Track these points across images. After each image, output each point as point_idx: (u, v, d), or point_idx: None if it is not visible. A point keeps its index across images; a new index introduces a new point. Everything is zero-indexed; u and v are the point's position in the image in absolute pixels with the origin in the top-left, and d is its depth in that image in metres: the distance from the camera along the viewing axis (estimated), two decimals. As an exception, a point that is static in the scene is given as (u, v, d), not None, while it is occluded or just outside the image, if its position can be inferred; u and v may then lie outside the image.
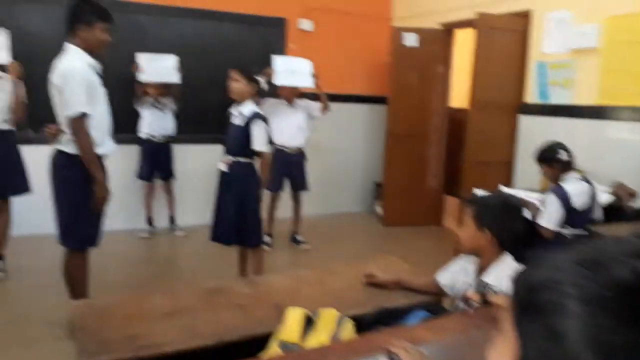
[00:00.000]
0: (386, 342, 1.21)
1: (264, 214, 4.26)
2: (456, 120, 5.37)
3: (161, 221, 4.82)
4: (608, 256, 0.55)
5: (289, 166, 4.42)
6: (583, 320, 0.51)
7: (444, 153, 5.50)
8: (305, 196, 4.68)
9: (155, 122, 4.50)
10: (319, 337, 1.36)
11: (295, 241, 4.64)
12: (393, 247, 2.69)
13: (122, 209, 4.50)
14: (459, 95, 5.68)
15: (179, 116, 4.64)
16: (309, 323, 1.45)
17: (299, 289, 1.95)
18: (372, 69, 5.77)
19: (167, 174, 4.68)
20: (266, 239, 4.41)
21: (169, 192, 4.77)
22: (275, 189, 4.42)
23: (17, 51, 3.54)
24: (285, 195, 4.59)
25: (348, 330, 1.41)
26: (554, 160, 2.84)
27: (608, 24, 3.72)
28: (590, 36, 3.82)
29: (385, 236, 5.17)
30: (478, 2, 4.58)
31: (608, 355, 0.49)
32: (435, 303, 1.77)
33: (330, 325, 1.41)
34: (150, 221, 4.75)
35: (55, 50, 2.72)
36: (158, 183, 4.73)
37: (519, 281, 0.59)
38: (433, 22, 5.26)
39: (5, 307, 3.19)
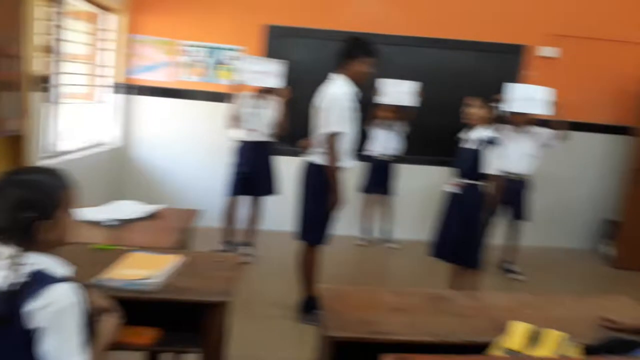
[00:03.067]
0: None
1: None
2: None
3: (377, 233, 5.18)
4: None
5: (511, 193, 4.33)
6: None
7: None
8: (524, 225, 4.52)
9: (384, 142, 4.89)
10: (543, 352, 1.41)
11: (509, 271, 4.51)
12: (626, 293, 2.47)
13: (345, 217, 4.97)
14: None
15: (408, 137, 4.96)
16: (534, 339, 1.50)
17: (519, 310, 1.97)
18: (617, 97, 5.25)
19: (387, 190, 5.02)
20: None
21: (387, 206, 5.10)
22: (496, 215, 4.36)
23: (286, 78, 4.26)
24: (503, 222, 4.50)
25: (574, 352, 1.43)
26: None
27: None
28: None
29: (614, 279, 4.65)
30: None
31: None
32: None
33: (555, 344, 1.45)
34: (367, 231, 5.15)
35: (314, 76, 3.26)
36: (377, 197, 5.09)
37: None
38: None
39: (249, 287, 3.85)
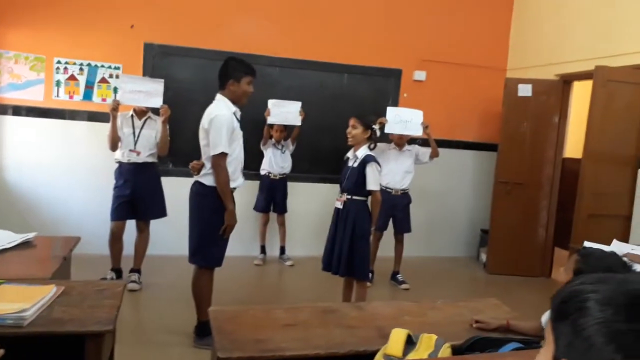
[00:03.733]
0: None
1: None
2: (571, 171, 5.25)
3: (272, 250, 5.22)
4: (619, 276, 0.73)
5: (394, 208, 4.63)
6: (597, 315, 0.68)
7: (556, 203, 5.37)
8: (409, 237, 4.83)
9: (275, 160, 4.98)
10: (419, 355, 1.53)
11: (395, 280, 4.78)
12: (496, 295, 2.75)
13: (240, 237, 4.96)
14: (576, 146, 5.54)
15: (295, 156, 5.08)
16: (410, 343, 1.62)
17: (401, 317, 2.12)
18: (482, 117, 5.85)
19: (281, 208, 5.10)
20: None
21: (281, 224, 5.17)
22: (380, 228, 4.63)
23: (167, 96, 4.14)
24: (388, 234, 4.78)
25: (446, 353, 1.57)
26: None
27: None
28: None
29: (488, 283, 5.12)
30: (596, 55, 4.55)
31: (616, 341, 0.66)
32: (533, 340, 1.85)
33: (430, 347, 1.58)
34: (263, 250, 5.17)
35: (199, 96, 3.25)
36: (272, 215, 5.15)
37: (555, 297, 0.77)
38: (547, 73, 5.27)
39: (140, 315, 3.69)
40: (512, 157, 5.26)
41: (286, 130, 4.97)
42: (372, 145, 3.44)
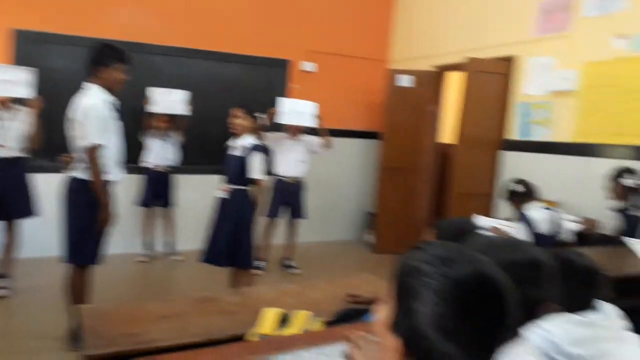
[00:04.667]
0: (347, 333, 1.42)
1: (260, 239, 4.53)
2: (446, 155, 5.66)
3: (159, 246, 5.04)
4: (463, 255, 0.76)
5: (288, 195, 4.70)
6: (429, 307, 0.72)
7: (433, 185, 5.76)
8: (301, 224, 4.92)
9: (159, 152, 4.79)
10: (291, 331, 1.57)
11: (287, 267, 4.85)
12: (382, 273, 2.90)
13: (122, 234, 4.73)
14: (449, 132, 5.97)
15: (183, 148, 4.94)
16: (284, 321, 1.66)
17: (280, 299, 2.15)
18: (367, 106, 6.10)
19: (166, 202, 4.93)
20: (260, 264, 4.64)
21: (168, 218, 5.01)
22: (273, 215, 4.69)
23: (41, 86, 3.84)
24: (283, 223, 4.83)
25: (318, 327, 1.63)
26: (512, 195, 3.16)
27: (585, 70, 4.03)
28: (568, 80, 4.11)
29: (376, 263, 5.38)
30: (468, 47, 4.93)
31: (446, 334, 0.70)
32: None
33: (303, 323, 1.63)
34: (148, 246, 4.97)
35: (75, 86, 3.04)
36: (157, 210, 4.97)
37: (401, 261, 0.81)
38: (427, 65, 5.60)
39: (9, 321, 3.40)
40: (394, 144, 5.55)
41: (172, 120, 4.80)
42: (257, 135, 3.44)
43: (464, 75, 4.67)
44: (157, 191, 4.84)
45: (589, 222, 3.58)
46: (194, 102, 4.79)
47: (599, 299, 1.53)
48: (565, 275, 1.50)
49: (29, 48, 4.54)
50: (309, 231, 5.34)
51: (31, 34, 4.55)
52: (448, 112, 5.91)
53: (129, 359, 1.67)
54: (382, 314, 0.85)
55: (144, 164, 4.77)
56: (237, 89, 5.31)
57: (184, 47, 5.13)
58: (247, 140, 3.36)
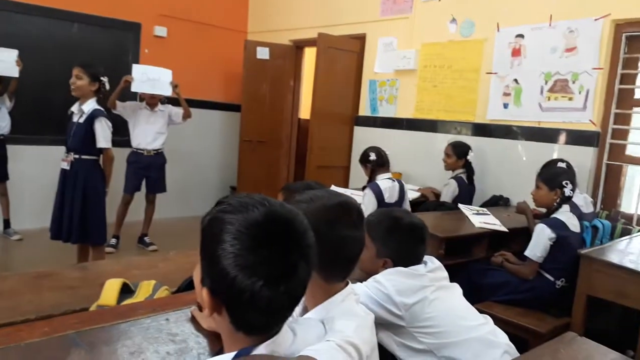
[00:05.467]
0: (193, 298, 1.43)
1: (114, 215, 4.28)
2: (306, 130, 5.82)
3: (-6, 226, 4.52)
4: (258, 200, 0.85)
5: (147, 169, 4.49)
6: (229, 248, 0.79)
7: (294, 159, 5.92)
8: (162, 199, 4.75)
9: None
10: (136, 300, 1.54)
11: (143, 243, 4.66)
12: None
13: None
14: (309, 107, 6.15)
15: (14, 115, 4.42)
16: (129, 292, 1.61)
17: (128, 272, 2.08)
18: (227, 78, 6.00)
19: (1, 175, 4.41)
20: (112, 241, 4.40)
21: (3, 194, 4.49)
22: (131, 190, 4.46)
23: None
24: (140, 197, 4.61)
25: (163, 295, 1.61)
26: (366, 161, 3.38)
27: (423, 50, 4.40)
28: (409, 60, 4.47)
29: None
30: (324, 24, 5.07)
31: (248, 270, 0.78)
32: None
33: (147, 292, 1.60)
34: (-20, 225, 4.43)
35: None
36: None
37: (203, 220, 0.87)
38: (285, 39, 5.66)
39: None
40: (254, 117, 5.57)
41: (0, 83, 4.26)
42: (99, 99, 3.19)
43: (316, 51, 4.82)
44: (-13, 163, 4.29)
45: (427, 190, 3.99)
46: (29, 64, 4.30)
47: (424, 253, 1.72)
48: (395, 231, 1.67)
49: None
50: (169, 206, 5.17)
51: None
52: (308, 87, 6.07)
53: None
54: (196, 272, 0.90)
55: (-32, 133, 4.20)
56: (81, 52, 4.85)
57: (16, 1, 4.55)
58: (90, 105, 3.10)
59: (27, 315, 1.67)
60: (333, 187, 3.86)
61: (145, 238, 4.67)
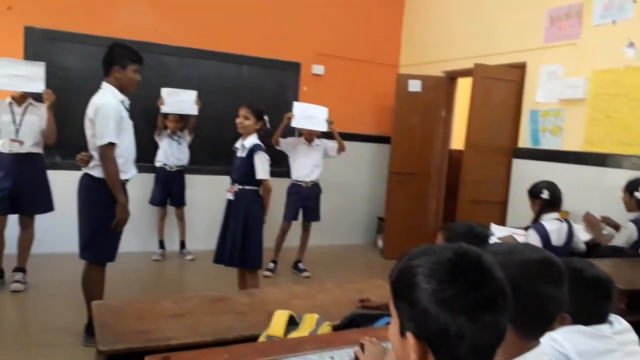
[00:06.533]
0: (356, 337, 1.45)
1: (273, 241, 4.57)
2: (457, 161, 5.67)
3: (172, 245, 5.10)
4: (437, 246, 0.87)
5: (305, 199, 4.76)
6: (426, 286, 0.81)
7: (444, 191, 5.76)
8: (314, 227, 4.96)
9: (170, 152, 4.86)
10: (300, 334, 1.60)
11: (297, 269, 4.89)
12: (386, 277, 2.91)
13: (137, 232, 4.80)
14: (460, 138, 5.98)
15: (195, 148, 4.99)
16: (294, 324, 1.70)
17: (290, 301, 2.19)
18: (377, 111, 6.13)
19: (178, 201, 4.99)
20: (270, 265, 4.69)
21: (180, 218, 5.07)
22: (290, 219, 4.74)
23: (53, 84, 3.92)
24: (296, 225, 4.87)
25: (326, 330, 1.66)
26: (537, 197, 3.14)
27: (594, 78, 4.03)
28: (577, 88, 4.12)
29: (384, 267, 5.38)
30: (479, 53, 4.93)
31: (449, 305, 0.79)
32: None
33: (311, 326, 1.66)
34: (162, 244, 5.04)
35: (88, 84, 3.09)
36: (170, 209, 5.04)
37: (390, 275, 0.90)
38: (437, 70, 5.62)
39: (24, 315, 3.46)
40: (403, 149, 5.57)
41: (182, 120, 4.86)
42: (261, 135, 3.46)
43: (471, 81, 4.69)
44: (169, 190, 4.91)
45: (592, 218, 3.56)
46: (205, 103, 4.86)
47: (609, 311, 1.53)
48: (575, 284, 1.50)
49: (39, 45, 4.62)
50: (320, 234, 5.38)
51: (42, 31, 4.64)
52: (460, 118, 5.92)
53: (140, 355, 1.72)
54: (392, 328, 0.91)
55: (156, 164, 4.84)
56: (248, 91, 5.36)
57: (195, 48, 5.20)
58: (250, 140, 3.38)
59: (206, 337, 1.83)
60: (492, 226, 3.68)
61: (300, 264, 4.90)
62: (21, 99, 3.82)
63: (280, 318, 1.65)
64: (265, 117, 3.44)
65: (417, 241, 4.36)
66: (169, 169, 4.87)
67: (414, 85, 5.53)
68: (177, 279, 4.73)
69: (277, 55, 5.56)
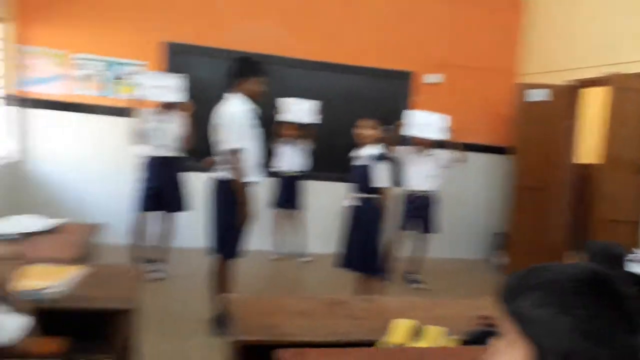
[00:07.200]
0: (481, 354, 1.42)
1: (387, 250, 4.56)
2: (585, 176, 5.27)
3: (290, 247, 5.34)
4: (572, 265, 0.82)
5: (419, 209, 4.74)
6: (555, 308, 0.76)
7: (568, 207, 5.37)
8: (432, 237, 4.91)
9: (290, 158, 5.10)
10: (424, 344, 1.60)
11: (412, 280, 4.85)
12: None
13: (257, 233, 5.07)
14: (586, 150, 5.54)
15: (312, 155, 5.20)
16: (416, 334, 1.70)
17: (409, 311, 2.19)
18: (494, 120, 5.89)
19: (297, 205, 5.21)
20: (385, 275, 4.70)
21: (298, 221, 5.28)
22: (403, 228, 4.74)
23: (188, 93, 4.33)
24: (410, 235, 4.86)
25: (452, 344, 1.64)
26: None
27: None
28: None
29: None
30: (606, 61, 4.54)
31: (594, 338, 0.74)
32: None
33: (435, 338, 1.65)
34: (280, 245, 5.29)
35: (215, 94, 3.37)
36: (289, 212, 5.28)
37: (511, 290, 0.82)
38: (558, 79, 5.26)
39: (161, 303, 3.81)
40: (528, 162, 5.28)
41: (302, 128, 5.06)
42: (381, 145, 3.51)
43: (605, 91, 4.34)
44: (288, 195, 5.15)
45: None
46: (324, 112, 5.02)
47: None
48: None
49: (178, 59, 5.10)
50: (433, 246, 5.28)
51: (180, 46, 5.12)
52: (586, 129, 5.48)
53: (268, 348, 1.83)
54: (500, 344, 0.85)
55: (276, 169, 5.10)
56: (361, 101, 5.47)
57: (312, 60, 5.41)
58: (372, 149, 3.45)
59: (326, 337, 1.91)
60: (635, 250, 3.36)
61: (415, 276, 4.86)
62: (165, 108, 4.25)
63: (402, 326, 1.67)
64: (386, 127, 3.50)
65: (540, 258, 4.16)
66: (289, 175, 5.11)
67: (537, 94, 5.23)
68: (293, 279, 4.92)
69: (389, 64, 5.58)
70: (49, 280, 1.72)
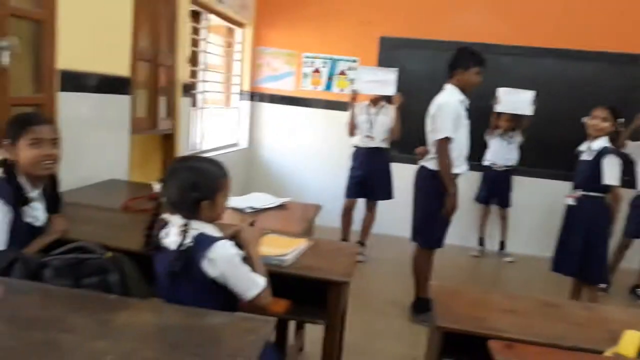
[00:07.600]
0: None
1: (610, 257, 4.07)
2: None
3: (491, 244, 5.12)
4: None
5: None
6: None
7: None
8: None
9: (500, 151, 4.85)
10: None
11: (637, 295, 4.23)
12: None
13: (459, 227, 4.98)
14: None
15: (523, 148, 4.86)
16: (647, 348, 1.50)
17: (638, 325, 1.94)
18: None
19: (504, 201, 4.95)
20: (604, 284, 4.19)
21: (503, 218, 5.02)
22: (631, 234, 4.18)
23: (398, 86, 4.44)
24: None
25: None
26: None
27: None
28: None
29: None
30: None
31: None
32: None
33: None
34: (481, 242, 5.11)
35: (427, 86, 3.38)
36: (493, 208, 5.05)
37: None
38: None
39: (362, 284, 4.03)
40: None
41: (515, 120, 4.77)
42: (614, 138, 3.10)
43: None
44: (494, 190, 4.93)
45: None
46: (539, 102, 4.64)
47: None
48: None
49: (390, 53, 5.25)
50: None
51: (393, 40, 5.25)
52: None
53: (473, 339, 1.81)
54: None
55: (485, 162, 4.92)
56: (588, 89, 4.87)
57: (532, 47, 5.02)
58: (600, 142, 3.08)
59: (540, 338, 1.79)
60: None
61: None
62: (376, 101, 4.44)
63: (633, 337, 1.49)
64: (620, 120, 3.09)
65: None
66: (496, 169, 4.88)
67: None
68: (493, 278, 4.71)
69: (619, 47, 4.86)
70: (280, 249, 1.97)
